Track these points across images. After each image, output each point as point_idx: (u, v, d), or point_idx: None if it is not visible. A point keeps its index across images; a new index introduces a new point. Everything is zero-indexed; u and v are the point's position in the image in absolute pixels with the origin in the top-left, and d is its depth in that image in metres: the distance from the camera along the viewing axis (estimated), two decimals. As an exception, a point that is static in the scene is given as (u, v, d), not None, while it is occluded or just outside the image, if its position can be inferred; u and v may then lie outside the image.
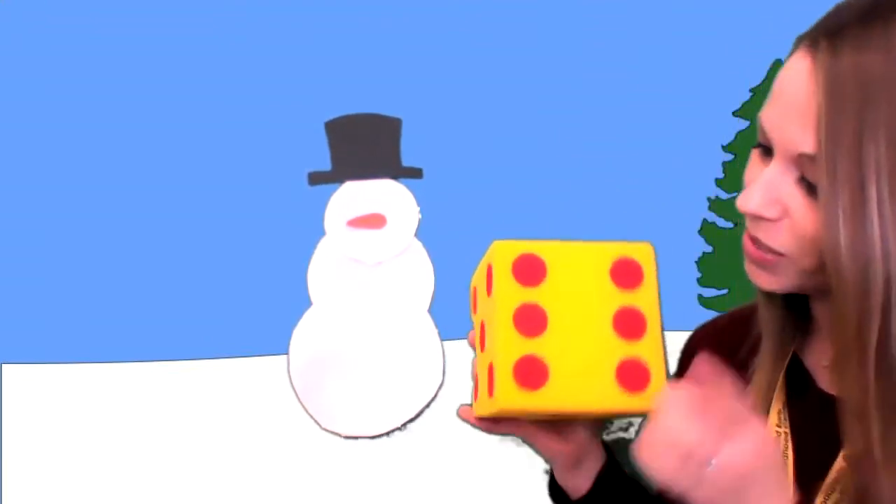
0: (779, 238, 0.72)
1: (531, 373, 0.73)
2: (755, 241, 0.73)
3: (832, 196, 0.66)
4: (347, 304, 2.48)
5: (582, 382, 0.73)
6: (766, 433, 0.69)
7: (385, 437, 2.58)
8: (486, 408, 0.77)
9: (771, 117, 0.71)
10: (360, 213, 2.51)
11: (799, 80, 0.69)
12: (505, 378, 0.73)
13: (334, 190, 2.56)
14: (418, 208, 2.49)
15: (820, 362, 0.80)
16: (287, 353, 2.56)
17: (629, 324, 0.74)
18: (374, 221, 2.50)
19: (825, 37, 0.68)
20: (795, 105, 0.69)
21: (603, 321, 0.74)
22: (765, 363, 0.81)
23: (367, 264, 2.48)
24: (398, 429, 2.56)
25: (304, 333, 2.52)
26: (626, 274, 0.75)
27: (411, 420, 2.56)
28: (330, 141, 2.51)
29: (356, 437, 2.56)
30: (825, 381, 0.79)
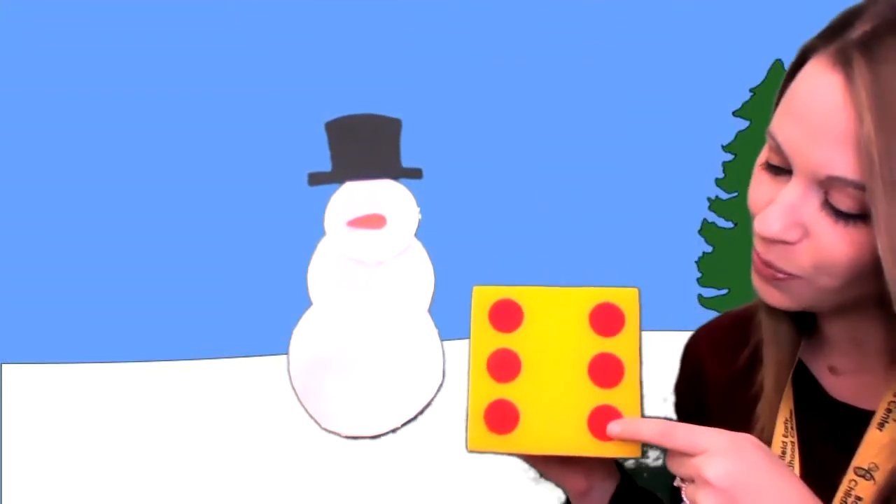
0: (796, 261, 0.68)
1: (501, 417, 0.75)
2: (768, 262, 0.70)
3: (892, 218, 0.63)
4: (347, 304, 2.49)
5: (552, 427, 0.74)
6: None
7: (385, 437, 2.58)
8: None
9: (792, 137, 0.67)
10: (360, 214, 2.52)
11: (830, 99, 0.64)
12: (476, 421, 0.75)
13: (334, 190, 2.58)
14: (418, 208, 2.50)
15: (828, 369, 0.78)
16: (287, 353, 2.57)
17: (605, 371, 0.74)
18: (374, 221, 2.51)
19: (859, 51, 0.64)
20: (827, 125, 0.64)
21: (578, 367, 0.74)
22: (770, 374, 0.78)
23: (367, 264, 2.49)
24: (398, 429, 2.56)
25: (304, 333, 2.52)
26: (606, 320, 0.74)
27: (411, 420, 2.56)
28: (330, 141, 2.52)
29: (356, 437, 2.56)
30: (833, 388, 0.77)
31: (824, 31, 0.68)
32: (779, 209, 0.67)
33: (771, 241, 0.69)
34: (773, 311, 0.77)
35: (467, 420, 0.76)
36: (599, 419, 0.73)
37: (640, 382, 0.74)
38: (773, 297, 0.72)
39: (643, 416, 0.73)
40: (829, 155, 0.64)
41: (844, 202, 0.65)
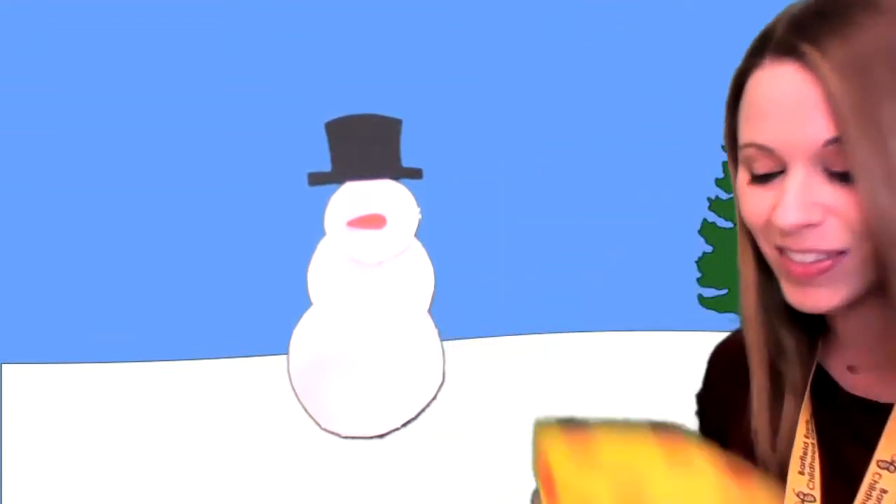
0: (833, 236, 0.69)
1: None
2: (808, 249, 0.69)
3: (868, 159, 0.66)
4: (347, 304, 2.48)
5: None
6: None
7: (385, 437, 2.58)
8: None
9: (772, 130, 0.70)
10: (360, 214, 2.51)
11: (793, 79, 0.68)
12: None
13: (334, 190, 2.57)
14: (418, 208, 2.50)
15: (847, 369, 0.78)
16: (287, 353, 2.56)
17: None
18: (374, 221, 2.50)
19: (797, 37, 0.69)
20: (802, 105, 0.68)
21: None
22: (788, 398, 0.76)
23: (367, 264, 2.48)
24: (398, 429, 2.56)
25: (304, 333, 2.52)
26: None
27: (411, 420, 2.56)
28: (330, 141, 2.52)
29: (356, 437, 2.56)
30: (853, 385, 0.77)
31: (750, 52, 0.72)
32: (791, 197, 0.69)
33: (797, 231, 0.69)
34: (785, 325, 0.76)
35: None
36: None
37: None
38: (818, 297, 0.71)
39: None
40: (816, 126, 0.67)
41: (841, 163, 0.67)
